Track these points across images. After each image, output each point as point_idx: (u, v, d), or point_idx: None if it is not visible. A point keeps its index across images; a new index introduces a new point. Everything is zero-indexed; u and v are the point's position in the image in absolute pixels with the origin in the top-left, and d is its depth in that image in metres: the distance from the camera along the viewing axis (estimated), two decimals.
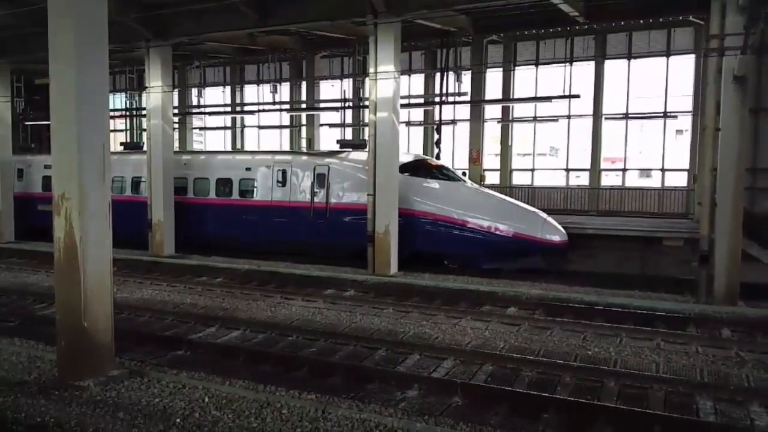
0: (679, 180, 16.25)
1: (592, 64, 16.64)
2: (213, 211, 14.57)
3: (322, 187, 13.13)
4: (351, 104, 15.71)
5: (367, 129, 12.40)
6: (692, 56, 15.64)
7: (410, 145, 19.05)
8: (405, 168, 12.44)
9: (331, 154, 14.08)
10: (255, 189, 14.13)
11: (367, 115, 12.01)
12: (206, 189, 14.72)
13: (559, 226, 12.05)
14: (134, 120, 20.90)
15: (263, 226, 13.82)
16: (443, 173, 13.22)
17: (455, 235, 12.14)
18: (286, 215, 13.54)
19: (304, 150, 18.78)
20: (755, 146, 13.06)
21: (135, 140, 19.51)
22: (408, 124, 18.89)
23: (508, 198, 13.70)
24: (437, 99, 15.97)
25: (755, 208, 13.05)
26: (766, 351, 6.73)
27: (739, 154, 9.11)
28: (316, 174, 13.26)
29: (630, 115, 16.51)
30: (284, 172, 13.73)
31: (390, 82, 11.17)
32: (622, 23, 15.35)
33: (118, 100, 22.18)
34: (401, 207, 11.70)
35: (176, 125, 19.82)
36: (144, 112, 16.46)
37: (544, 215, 12.32)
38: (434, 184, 12.77)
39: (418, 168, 13.03)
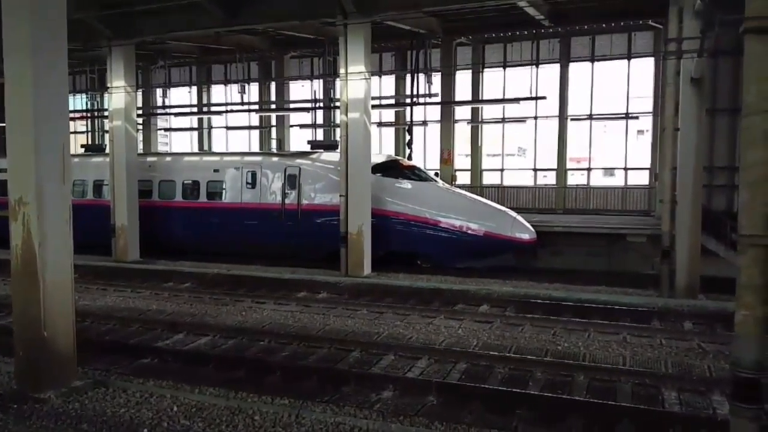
0: (641, 178, 16.84)
1: (557, 66, 17.07)
2: (180, 215, 14.21)
3: (294, 189, 13.00)
4: (322, 105, 15.60)
5: (338, 130, 12.33)
6: (652, 59, 16.23)
7: (382, 146, 19.10)
8: (377, 168, 12.44)
9: (303, 155, 13.95)
10: (224, 191, 13.87)
11: (339, 116, 11.94)
12: (172, 192, 14.36)
13: (528, 225, 12.29)
14: (96, 121, 20.19)
15: (233, 229, 13.57)
16: (415, 174, 13.29)
17: (428, 235, 12.22)
18: (256, 217, 13.32)
19: (274, 151, 18.56)
20: (711, 145, 13.65)
21: (97, 142, 18.86)
22: (380, 125, 18.94)
23: (478, 198, 13.89)
24: (408, 100, 16.06)
25: (712, 204, 13.62)
26: (725, 342, 6.97)
27: (696, 153, 9.46)
28: (287, 175, 13.11)
29: (594, 116, 17.01)
30: (254, 174, 13.52)
31: (361, 82, 11.14)
32: (586, 27, 15.82)
33: (78, 101, 21.37)
34: (374, 207, 11.68)
35: (140, 126, 19.25)
36: (106, 114, 15.93)
37: (513, 214, 12.54)
38: (407, 185, 12.81)
39: (391, 168, 13.05)
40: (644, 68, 16.49)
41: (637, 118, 16.64)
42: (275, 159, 13.93)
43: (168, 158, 15.96)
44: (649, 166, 16.58)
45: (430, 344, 7.06)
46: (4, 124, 5.52)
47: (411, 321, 8.19)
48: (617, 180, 17.72)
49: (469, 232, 12.10)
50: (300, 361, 6.65)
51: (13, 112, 5.31)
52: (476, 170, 18.19)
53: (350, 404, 5.44)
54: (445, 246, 12.18)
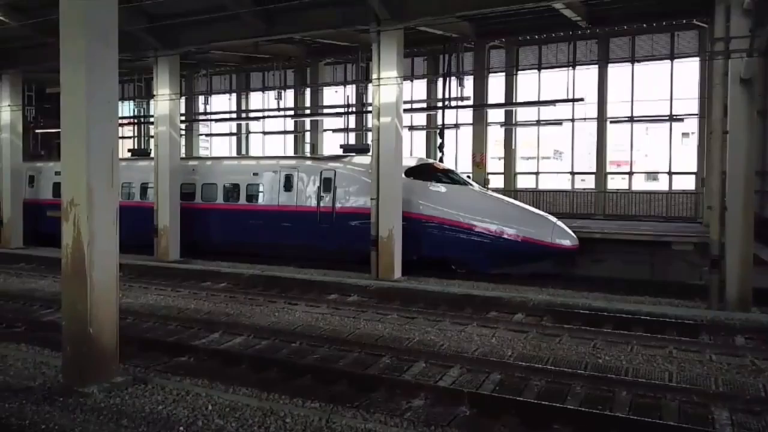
0: (687, 183, 16.10)
1: (595, 68, 16.56)
2: (221, 216, 14.59)
3: (329, 192, 13.11)
4: (354, 109, 15.72)
5: (370, 134, 12.39)
6: (696, 59, 15.52)
7: (413, 149, 19.03)
8: (410, 172, 12.35)
9: (337, 158, 14.04)
10: (262, 194, 14.17)
11: (371, 120, 11.98)
12: (214, 194, 14.77)
13: (570, 231, 11.84)
14: (142, 127, 21.04)
15: (270, 231, 13.79)
16: (449, 177, 13.08)
17: (462, 240, 11.97)
18: (292, 220, 13.52)
19: (309, 155, 18.80)
20: (764, 149, 12.90)
21: (143, 147, 19.65)
22: (411, 128, 18.87)
23: (516, 202, 13.51)
24: (440, 104, 15.93)
25: (765, 211, 12.86)
26: None
27: (747, 157, 8.97)
28: (322, 178, 13.25)
29: (635, 119, 16.38)
30: (290, 177, 13.73)
31: (393, 87, 11.16)
32: (625, 27, 15.28)
33: (126, 108, 22.34)
34: (406, 211, 11.61)
35: (183, 132, 19.91)
36: (152, 120, 16.55)
37: (554, 219, 12.12)
38: (440, 188, 12.65)
39: (424, 171, 12.91)
40: (688, 69, 15.80)
41: (681, 120, 15.94)
42: (310, 162, 14.09)
43: (209, 162, 16.42)
44: (695, 170, 15.84)
45: (462, 352, 6.94)
46: (59, 130, 5.80)
47: (442, 327, 8.08)
48: (661, 185, 16.99)
49: (507, 237, 11.77)
50: (331, 364, 6.66)
51: (68, 119, 5.61)
52: (510, 174, 17.84)
53: (381, 411, 5.39)
54: (482, 251, 11.92)
